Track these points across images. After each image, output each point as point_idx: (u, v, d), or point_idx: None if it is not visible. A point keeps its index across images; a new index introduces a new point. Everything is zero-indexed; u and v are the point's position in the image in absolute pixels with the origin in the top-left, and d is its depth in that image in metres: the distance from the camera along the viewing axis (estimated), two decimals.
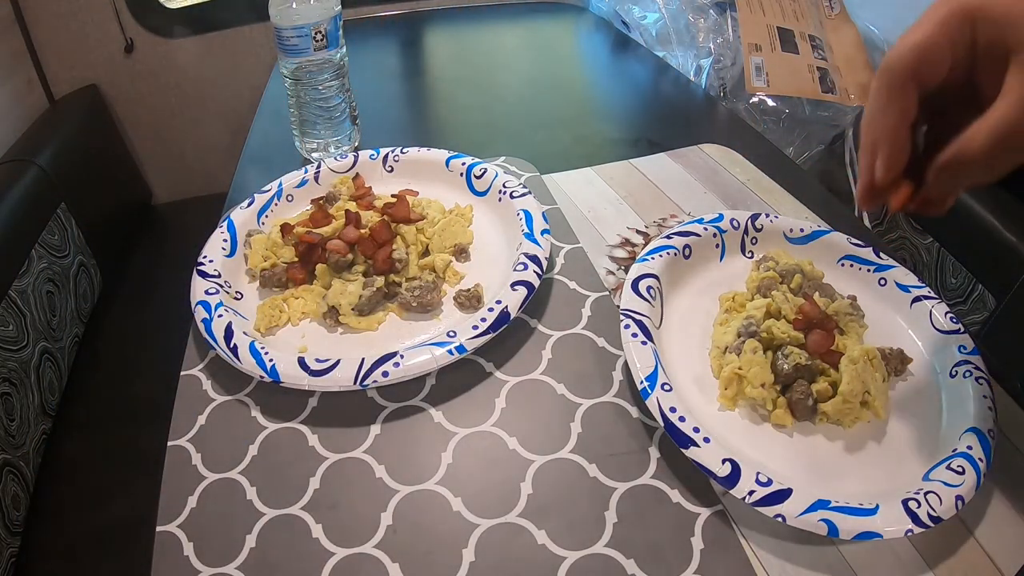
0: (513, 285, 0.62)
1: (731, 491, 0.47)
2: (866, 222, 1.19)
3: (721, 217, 0.70)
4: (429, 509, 0.50)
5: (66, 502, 0.90)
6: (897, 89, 0.39)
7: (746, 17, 1.20)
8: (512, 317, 0.60)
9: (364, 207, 0.70)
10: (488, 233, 0.73)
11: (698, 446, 0.49)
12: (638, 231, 0.76)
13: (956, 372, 0.56)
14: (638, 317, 0.58)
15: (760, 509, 0.46)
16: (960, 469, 0.48)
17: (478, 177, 0.78)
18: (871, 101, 0.41)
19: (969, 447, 0.49)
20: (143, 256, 1.33)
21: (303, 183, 0.78)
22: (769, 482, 0.47)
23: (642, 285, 0.61)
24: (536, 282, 0.63)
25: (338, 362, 0.56)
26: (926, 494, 0.46)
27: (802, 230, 0.69)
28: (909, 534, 0.45)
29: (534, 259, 0.65)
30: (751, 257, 0.69)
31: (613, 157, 0.89)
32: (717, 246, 0.69)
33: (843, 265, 0.67)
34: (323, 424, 0.56)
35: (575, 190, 0.83)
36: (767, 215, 0.70)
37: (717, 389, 0.57)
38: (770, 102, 1.18)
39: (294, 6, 0.77)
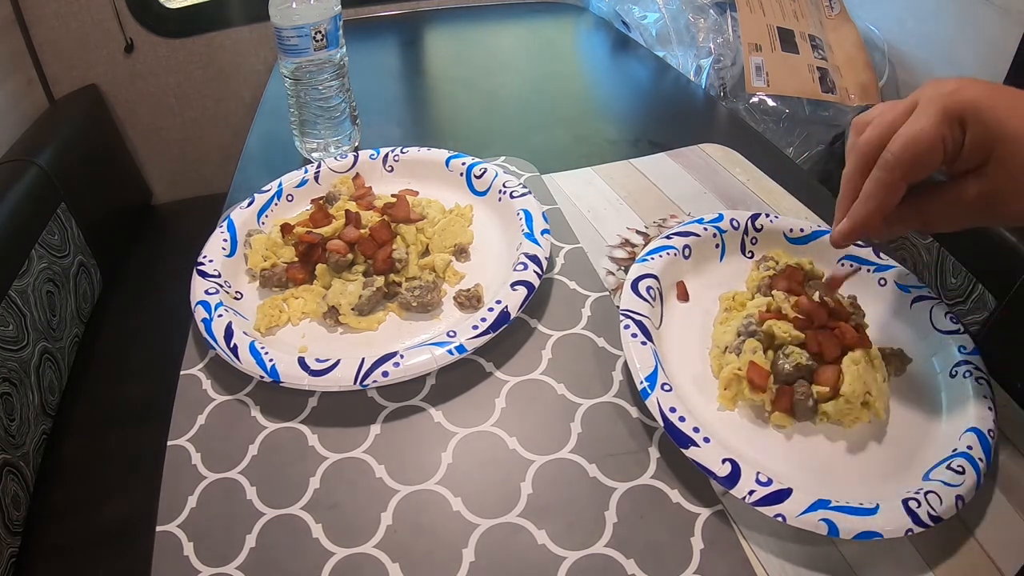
0: (513, 285, 0.62)
1: (731, 491, 0.47)
2: None
3: (721, 217, 0.70)
4: (429, 509, 0.50)
5: (66, 502, 0.90)
6: (893, 186, 0.43)
7: (746, 17, 1.20)
8: (512, 317, 0.60)
9: (364, 207, 0.70)
10: (488, 233, 0.73)
11: (698, 446, 0.49)
12: (638, 231, 0.76)
13: (956, 372, 0.56)
14: (638, 317, 0.58)
15: (760, 509, 0.46)
16: (960, 469, 0.48)
17: (478, 177, 0.78)
18: (855, 168, 0.45)
19: (969, 447, 0.49)
20: (143, 256, 1.33)
21: (303, 183, 0.78)
22: (769, 482, 0.47)
23: (642, 285, 0.61)
24: (536, 282, 0.63)
25: (338, 362, 0.56)
26: (926, 494, 0.46)
27: (802, 230, 0.69)
28: (909, 534, 0.45)
29: (534, 259, 0.65)
30: (751, 257, 0.69)
31: (613, 157, 0.89)
32: (717, 246, 0.69)
33: (843, 265, 0.67)
34: (323, 424, 0.56)
35: (575, 190, 0.83)
36: (767, 215, 0.70)
37: (717, 389, 0.57)
38: (770, 102, 1.18)
39: (294, 6, 0.77)
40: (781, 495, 0.46)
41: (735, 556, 0.47)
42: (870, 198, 0.44)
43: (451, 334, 0.59)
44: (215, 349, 0.58)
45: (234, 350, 0.57)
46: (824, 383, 0.53)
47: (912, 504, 0.46)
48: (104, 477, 0.93)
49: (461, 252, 0.71)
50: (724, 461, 0.48)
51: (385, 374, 0.56)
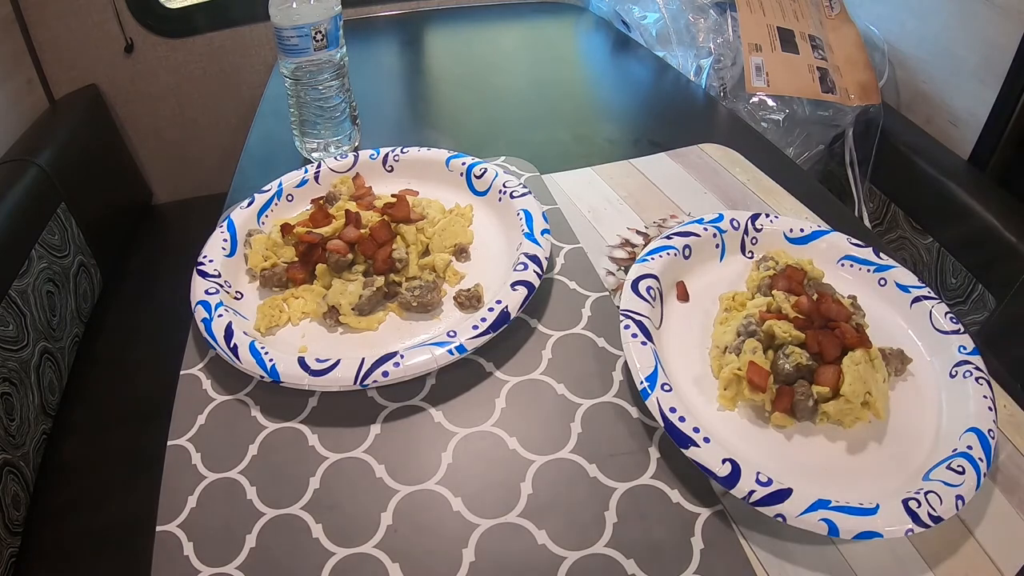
0: (513, 285, 0.62)
1: (731, 491, 0.47)
2: (866, 222, 1.19)
3: (721, 217, 0.70)
4: (429, 509, 0.50)
5: (66, 502, 0.90)
6: None
7: (746, 17, 1.20)
8: (512, 317, 0.60)
9: (364, 207, 0.70)
10: (488, 233, 0.73)
11: (698, 446, 0.49)
12: (638, 231, 0.76)
13: (956, 372, 0.56)
14: (638, 317, 0.58)
15: (760, 509, 0.46)
16: (960, 469, 0.48)
17: (478, 177, 0.78)
18: None
19: (969, 447, 0.49)
20: (143, 256, 1.33)
21: (303, 183, 0.78)
22: (769, 482, 0.47)
23: (642, 285, 0.61)
24: (536, 282, 0.63)
25: (338, 362, 0.56)
26: (926, 494, 0.46)
27: (802, 230, 0.69)
28: (909, 534, 0.45)
29: (534, 259, 0.65)
30: (751, 257, 0.69)
31: (613, 157, 0.89)
32: (717, 246, 0.69)
33: (843, 265, 0.67)
34: (323, 424, 0.56)
35: (575, 190, 0.83)
36: (767, 215, 0.70)
37: (717, 389, 0.57)
38: (770, 102, 1.18)
39: (294, 6, 0.77)
40: (781, 495, 0.46)
41: (735, 556, 0.47)
42: None
43: (451, 334, 0.59)
44: (215, 349, 0.58)
45: (234, 350, 0.57)
46: (824, 383, 0.53)
47: (912, 504, 0.46)
48: (104, 477, 0.92)
49: (461, 252, 0.71)
50: (724, 461, 0.48)
51: (385, 374, 0.56)
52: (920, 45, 1.19)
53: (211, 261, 0.66)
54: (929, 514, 0.45)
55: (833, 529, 0.45)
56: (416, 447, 0.54)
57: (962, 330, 0.59)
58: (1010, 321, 0.91)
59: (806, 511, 0.45)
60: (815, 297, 0.58)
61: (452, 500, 0.50)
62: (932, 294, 0.63)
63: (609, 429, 0.55)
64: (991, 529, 0.48)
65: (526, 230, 0.69)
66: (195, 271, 0.65)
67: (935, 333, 0.60)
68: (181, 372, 0.61)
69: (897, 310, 0.63)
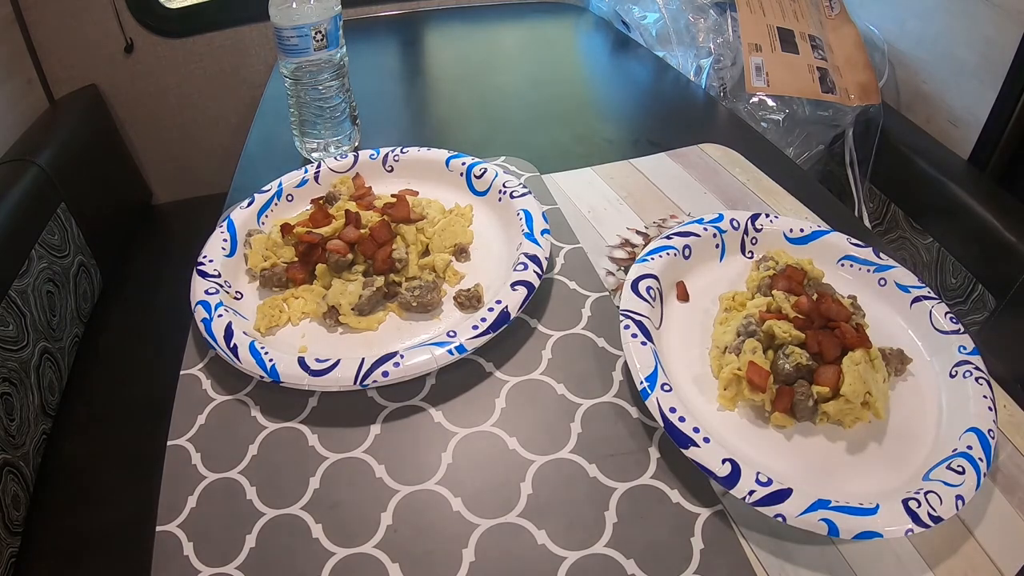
0: (513, 285, 0.62)
1: (731, 491, 0.47)
2: (866, 222, 1.19)
3: (721, 217, 0.70)
4: (429, 509, 0.50)
5: (66, 502, 0.90)
6: None
7: (746, 17, 1.20)
8: (512, 317, 0.60)
9: (364, 207, 0.70)
10: (488, 233, 0.73)
11: (698, 446, 0.49)
12: (638, 231, 0.76)
13: (956, 372, 0.56)
14: (638, 317, 0.58)
15: (760, 509, 0.46)
16: (960, 469, 0.48)
17: (478, 177, 0.78)
18: None
19: (969, 447, 0.49)
20: (143, 256, 1.33)
21: (303, 183, 0.78)
22: (769, 482, 0.47)
23: (642, 286, 0.61)
24: (536, 282, 0.63)
25: (338, 362, 0.56)
26: (926, 494, 0.46)
27: (802, 230, 0.69)
28: (909, 534, 0.45)
29: (534, 259, 0.65)
30: (751, 257, 0.69)
31: (613, 157, 0.89)
32: (717, 246, 0.69)
33: (843, 265, 0.67)
34: (323, 424, 0.56)
35: (575, 190, 0.83)
36: (767, 215, 0.70)
37: (717, 389, 0.56)
38: (770, 102, 1.18)
39: (294, 6, 0.77)
40: (781, 495, 0.46)
41: (735, 556, 0.47)
42: None
43: (451, 334, 0.59)
44: (215, 349, 0.58)
45: (234, 350, 0.57)
46: (824, 383, 0.53)
47: (912, 504, 0.46)
48: (104, 477, 0.92)
49: (461, 252, 0.71)
50: (724, 461, 0.48)
51: (385, 374, 0.56)
52: (920, 45, 1.19)
53: (211, 261, 0.66)
54: (929, 514, 0.45)
55: (833, 529, 0.45)
56: (416, 447, 0.54)
57: (962, 330, 0.59)
58: (1010, 321, 0.91)
59: (806, 511, 0.45)
60: (815, 297, 0.58)
61: (452, 500, 0.50)
62: (932, 294, 0.63)
63: (609, 429, 0.55)
64: (991, 529, 0.48)
65: (526, 230, 0.69)
66: (195, 271, 0.65)
67: (935, 333, 0.60)
68: (181, 372, 0.61)
69: (897, 310, 0.64)
